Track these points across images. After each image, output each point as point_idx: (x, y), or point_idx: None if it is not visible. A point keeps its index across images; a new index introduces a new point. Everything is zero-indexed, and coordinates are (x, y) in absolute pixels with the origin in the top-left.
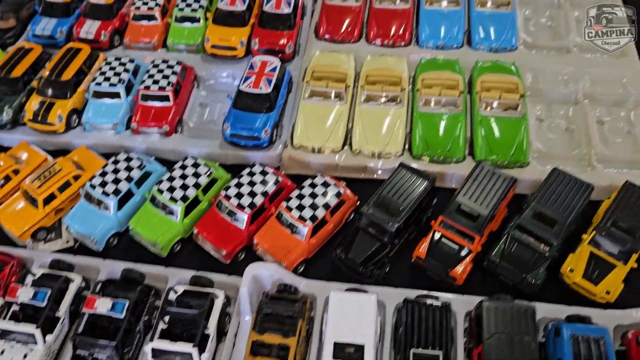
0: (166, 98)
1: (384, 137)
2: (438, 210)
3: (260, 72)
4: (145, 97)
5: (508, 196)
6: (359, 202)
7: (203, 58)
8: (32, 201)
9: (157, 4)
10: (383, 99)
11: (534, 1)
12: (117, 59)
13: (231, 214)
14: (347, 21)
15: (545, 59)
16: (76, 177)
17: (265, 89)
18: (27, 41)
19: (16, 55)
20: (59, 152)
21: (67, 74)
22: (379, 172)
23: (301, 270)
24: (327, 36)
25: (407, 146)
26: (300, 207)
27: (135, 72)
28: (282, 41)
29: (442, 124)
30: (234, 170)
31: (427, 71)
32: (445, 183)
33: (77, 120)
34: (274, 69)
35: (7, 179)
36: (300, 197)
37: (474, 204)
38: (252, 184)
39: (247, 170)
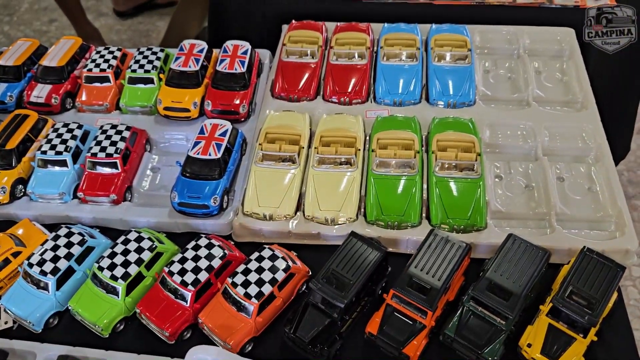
0: (114, 165)
1: (337, 202)
2: (393, 280)
3: (210, 136)
4: (93, 165)
5: (463, 265)
6: (310, 273)
7: (156, 120)
8: None
9: (110, 66)
10: (337, 162)
11: (494, 52)
12: (64, 125)
13: (175, 291)
14: (303, 78)
15: (504, 113)
16: (16, 254)
17: (214, 154)
18: None
19: None
20: (4, 223)
21: (12, 143)
22: (333, 238)
23: (249, 349)
24: (282, 94)
25: (362, 210)
26: (246, 284)
27: (84, 138)
28: (236, 101)
29: (397, 187)
30: (185, 239)
31: (383, 130)
32: (401, 249)
33: (23, 190)
34: (224, 133)
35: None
36: (247, 272)
37: (426, 276)
38: (196, 258)
39: (192, 243)
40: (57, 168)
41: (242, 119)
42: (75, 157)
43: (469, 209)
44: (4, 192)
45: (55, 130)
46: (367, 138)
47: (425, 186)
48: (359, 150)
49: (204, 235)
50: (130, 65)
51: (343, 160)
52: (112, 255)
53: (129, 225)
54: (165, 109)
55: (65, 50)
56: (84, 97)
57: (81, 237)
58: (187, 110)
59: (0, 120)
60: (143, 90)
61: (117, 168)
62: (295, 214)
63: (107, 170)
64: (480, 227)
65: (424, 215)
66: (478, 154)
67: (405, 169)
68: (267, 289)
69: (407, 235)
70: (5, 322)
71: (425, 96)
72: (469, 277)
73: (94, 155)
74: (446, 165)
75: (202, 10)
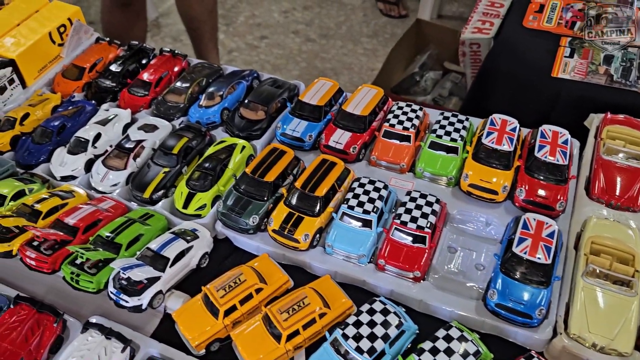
0: (422, 240)
1: None
2: None
3: (537, 235)
4: (398, 233)
5: None
6: None
7: (453, 194)
8: (276, 336)
9: (413, 125)
10: None
11: None
12: (370, 181)
13: None
14: (628, 185)
15: None
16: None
17: (544, 258)
18: (274, 137)
19: (270, 157)
20: (294, 269)
21: (321, 191)
22: None
23: None
24: (601, 198)
25: None
26: None
27: (386, 199)
28: (554, 196)
29: None
30: (488, 340)
31: None
32: None
33: (318, 239)
34: (551, 234)
35: (249, 297)
36: None
37: None
38: None
39: None
40: (359, 226)
41: (554, 217)
42: (378, 219)
43: None
44: (306, 240)
45: (362, 185)
46: None
47: None
48: None
49: (535, 355)
50: (435, 130)
51: None
52: (434, 351)
53: (429, 310)
54: (471, 185)
55: (368, 99)
56: (379, 152)
57: (398, 319)
58: (495, 193)
59: (299, 160)
60: (444, 158)
61: (424, 243)
62: (631, 353)
63: (412, 242)
64: None
65: None
66: None
67: None
68: None
69: None
70: None
71: None
72: None
73: (404, 224)
74: None
75: (410, 54)
